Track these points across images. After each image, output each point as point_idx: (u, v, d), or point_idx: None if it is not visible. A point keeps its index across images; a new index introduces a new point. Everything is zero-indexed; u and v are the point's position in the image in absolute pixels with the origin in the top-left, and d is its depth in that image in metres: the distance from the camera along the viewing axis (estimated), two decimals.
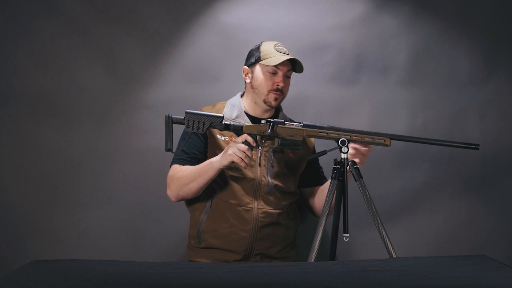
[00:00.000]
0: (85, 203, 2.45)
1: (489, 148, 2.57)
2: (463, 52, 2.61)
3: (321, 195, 2.08)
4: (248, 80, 2.04)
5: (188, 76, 2.49)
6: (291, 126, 1.88)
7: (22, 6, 2.42)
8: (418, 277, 1.35)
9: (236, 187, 1.96)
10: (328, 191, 1.83)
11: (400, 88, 2.58)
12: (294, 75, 2.10)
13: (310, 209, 2.17)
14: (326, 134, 1.86)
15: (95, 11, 2.45)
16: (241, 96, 2.10)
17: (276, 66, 1.97)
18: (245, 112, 2.04)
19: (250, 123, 1.90)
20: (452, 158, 2.58)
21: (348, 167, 1.83)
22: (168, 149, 1.85)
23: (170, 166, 2.05)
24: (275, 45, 2.02)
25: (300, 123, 1.89)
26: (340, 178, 1.83)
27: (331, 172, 1.85)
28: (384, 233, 1.81)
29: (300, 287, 1.28)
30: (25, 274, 1.36)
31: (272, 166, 1.99)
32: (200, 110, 1.94)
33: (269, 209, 1.97)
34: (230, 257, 1.96)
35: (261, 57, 1.99)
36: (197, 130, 1.83)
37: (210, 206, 1.99)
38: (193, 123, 1.83)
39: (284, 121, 1.89)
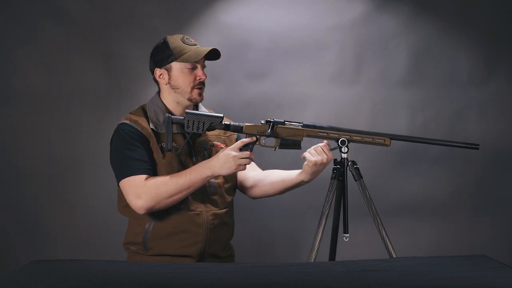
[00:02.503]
0: (85, 203, 2.45)
1: (489, 148, 2.56)
2: (463, 52, 2.61)
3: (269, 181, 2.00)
4: (164, 82, 1.92)
5: None
6: (291, 126, 1.87)
7: (22, 6, 2.42)
8: (418, 277, 1.35)
9: None
10: (328, 191, 1.83)
11: (400, 88, 2.58)
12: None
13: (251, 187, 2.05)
14: (326, 134, 1.85)
15: (95, 11, 2.45)
16: (159, 96, 1.97)
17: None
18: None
19: (249, 123, 1.88)
20: (452, 158, 2.58)
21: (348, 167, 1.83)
22: (169, 149, 1.84)
23: (130, 176, 1.87)
24: (183, 38, 1.92)
25: (300, 123, 1.89)
26: (340, 178, 1.83)
27: (331, 172, 1.85)
28: (384, 233, 1.81)
29: (300, 287, 1.28)
30: (25, 274, 1.36)
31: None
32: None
33: (216, 210, 1.93)
34: (183, 261, 1.86)
35: (176, 55, 1.89)
36: (197, 130, 1.82)
37: (156, 213, 1.89)
38: (193, 123, 1.82)
39: (284, 121, 1.88)
